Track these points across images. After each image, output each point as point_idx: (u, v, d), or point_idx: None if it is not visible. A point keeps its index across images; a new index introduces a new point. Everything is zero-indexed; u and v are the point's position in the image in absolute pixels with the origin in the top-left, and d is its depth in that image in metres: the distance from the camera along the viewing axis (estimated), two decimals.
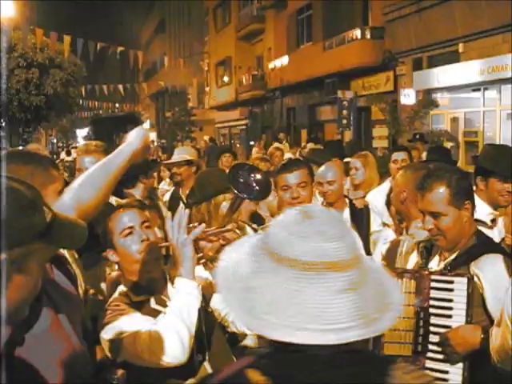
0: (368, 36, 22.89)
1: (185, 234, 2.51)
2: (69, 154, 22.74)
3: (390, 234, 4.76)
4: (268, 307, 1.37)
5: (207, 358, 2.67)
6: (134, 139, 2.35)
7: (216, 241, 2.78)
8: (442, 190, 2.84)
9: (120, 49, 23.42)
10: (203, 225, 2.63)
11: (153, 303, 2.66)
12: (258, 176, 3.28)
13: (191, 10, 47.93)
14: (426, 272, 2.84)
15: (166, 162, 6.84)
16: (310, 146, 11.79)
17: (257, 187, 3.25)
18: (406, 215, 3.81)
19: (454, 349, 2.65)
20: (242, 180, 3.24)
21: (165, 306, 2.59)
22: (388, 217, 5.00)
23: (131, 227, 2.70)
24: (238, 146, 37.08)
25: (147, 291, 2.69)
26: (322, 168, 4.98)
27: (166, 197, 6.56)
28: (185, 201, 6.02)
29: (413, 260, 3.23)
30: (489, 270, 2.73)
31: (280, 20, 31.67)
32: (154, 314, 2.57)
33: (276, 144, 11.48)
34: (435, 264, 3.01)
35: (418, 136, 10.29)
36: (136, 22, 72.94)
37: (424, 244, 3.19)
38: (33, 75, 26.02)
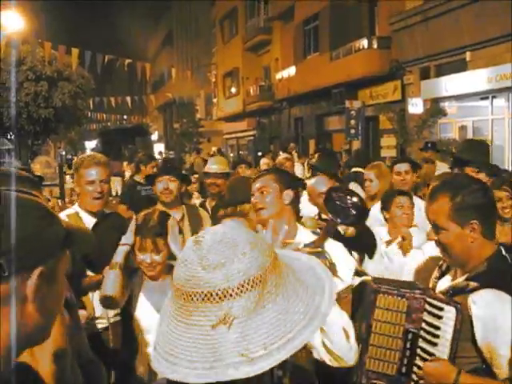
0: (375, 46, 22.91)
1: None
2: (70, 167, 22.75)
3: (383, 233, 4.96)
4: (159, 338, 1.34)
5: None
6: None
7: None
8: (444, 202, 2.58)
9: (128, 61, 23.46)
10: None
11: None
12: (355, 199, 3.08)
13: (198, 22, 48.16)
14: (418, 293, 2.59)
15: (206, 171, 6.78)
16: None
17: (354, 211, 3.07)
18: None
19: (428, 381, 2.51)
20: (338, 203, 3.08)
21: None
22: (382, 220, 5.16)
23: None
24: (246, 157, 37.13)
25: None
26: (313, 180, 4.99)
27: None
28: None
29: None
30: (482, 306, 2.45)
31: (287, 31, 31.77)
32: None
33: (284, 154, 11.46)
34: (446, 282, 2.80)
35: (429, 145, 10.11)
36: (143, 34, 73.35)
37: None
38: (41, 88, 26.09)
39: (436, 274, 2.92)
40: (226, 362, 1.25)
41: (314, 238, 3.32)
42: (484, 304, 2.45)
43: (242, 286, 1.28)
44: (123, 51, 43.61)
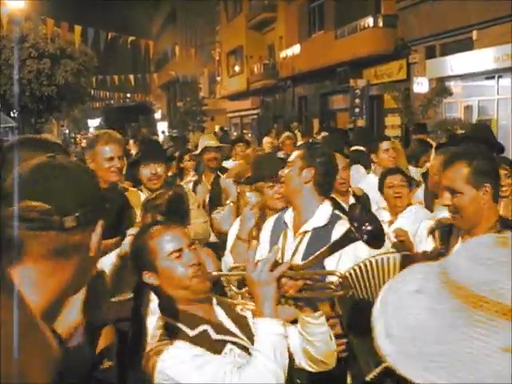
0: (380, 24, 22.72)
1: (268, 270, 2.30)
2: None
3: (386, 215, 4.99)
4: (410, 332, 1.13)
5: None
6: None
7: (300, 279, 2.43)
8: (461, 167, 2.83)
9: (131, 38, 23.38)
10: (288, 263, 2.45)
11: (212, 333, 2.40)
12: (370, 228, 2.99)
13: None
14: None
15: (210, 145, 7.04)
16: (324, 134, 11.70)
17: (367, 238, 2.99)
18: None
19: None
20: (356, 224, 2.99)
21: (227, 334, 2.42)
22: (383, 200, 5.17)
23: (180, 250, 2.48)
24: (249, 135, 37.06)
25: (201, 321, 2.44)
26: None
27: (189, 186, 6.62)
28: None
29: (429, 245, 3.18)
30: None
31: (291, 9, 31.52)
32: (219, 345, 2.37)
33: (287, 133, 11.39)
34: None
35: (420, 127, 9.46)
36: (147, 11, 72.89)
37: (441, 230, 3.16)
38: (44, 65, 26.04)
39: (437, 244, 3.10)
40: None
41: (326, 220, 3.33)
42: None
43: None
44: (126, 29, 43.35)
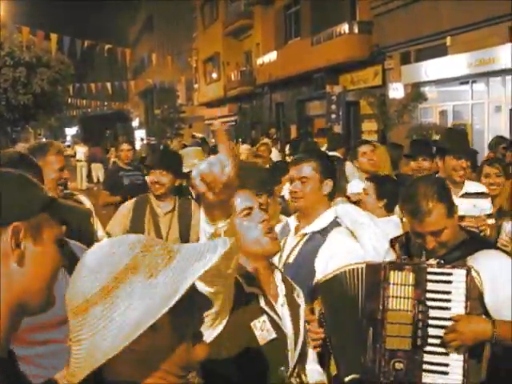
0: (356, 30, 22.90)
1: None
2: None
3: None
4: None
5: None
6: None
7: None
8: (439, 208, 2.82)
9: (108, 46, 23.30)
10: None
11: (262, 302, 2.43)
12: None
13: (179, 7, 47.77)
14: (425, 265, 2.82)
15: None
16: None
17: None
18: None
19: (463, 340, 2.64)
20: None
21: (272, 309, 2.44)
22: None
23: (251, 208, 2.49)
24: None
25: (256, 284, 2.47)
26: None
27: None
28: None
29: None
30: (487, 264, 2.75)
31: (268, 15, 31.65)
32: (259, 314, 2.40)
33: (265, 140, 11.45)
34: (424, 259, 3.00)
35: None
36: (123, 19, 72.65)
37: (400, 241, 3.22)
38: (20, 74, 25.81)
39: (397, 255, 3.14)
40: None
41: (326, 224, 3.41)
42: (489, 262, 2.78)
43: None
44: (103, 36, 43.19)
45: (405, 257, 3.07)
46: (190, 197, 5.75)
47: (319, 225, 3.41)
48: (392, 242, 3.23)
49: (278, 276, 2.60)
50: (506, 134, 14.25)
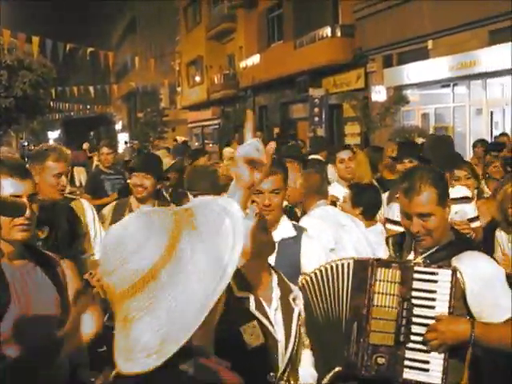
0: (338, 34, 23.01)
1: None
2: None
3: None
4: None
5: None
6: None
7: None
8: (430, 192, 2.87)
9: (90, 49, 23.22)
10: None
11: (252, 306, 2.45)
12: None
13: (162, 10, 47.70)
14: (412, 263, 2.86)
15: None
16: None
17: None
18: None
19: (443, 340, 2.67)
20: None
21: (263, 313, 2.44)
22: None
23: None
24: (210, 145, 36.98)
25: (248, 287, 2.46)
26: None
27: None
28: None
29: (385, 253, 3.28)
30: (471, 265, 2.78)
31: (251, 19, 31.69)
32: (248, 316, 2.41)
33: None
34: (411, 258, 3.05)
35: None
36: (106, 21, 72.44)
37: (394, 239, 3.26)
38: (1, 77, 25.65)
39: (391, 253, 3.20)
40: None
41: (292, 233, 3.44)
42: (473, 263, 2.80)
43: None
44: (85, 39, 43.04)
45: (394, 256, 3.12)
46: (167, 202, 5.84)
47: (287, 232, 3.42)
48: (387, 240, 3.32)
49: (274, 279, 2.61)
50: (487, 137, 14.41)
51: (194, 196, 3.94)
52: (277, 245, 3.29)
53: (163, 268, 1.31)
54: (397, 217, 3.94)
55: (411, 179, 2.94)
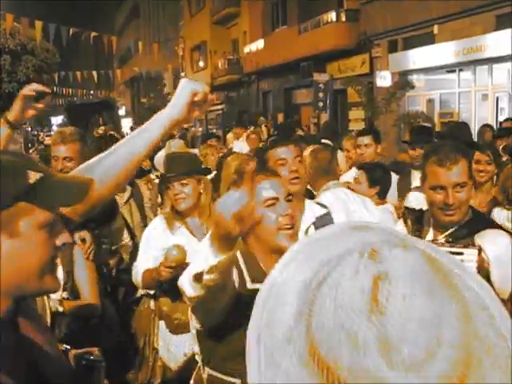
0: (343, 19, 22.85)
1: None
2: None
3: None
4: None
5: None
6: (176, 100, 2.00)
7: None
8: (464, 162, 2.94)
9: (93, 34, 23.11)
10: None
11: None
12: None
13: None
14: (436, 243, 2.80)
15: None
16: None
17: None
18: None
19: None
20: None
21: None
22: None
23: (276, 198, 2.37)
24: (214, 131, 36.93)
25: (263, 279, 2.38)
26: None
27: None
28: None
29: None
30: (494, 243, 2.81)
31: (255, 4, 31.49)
32: None
33: (253, 128, 11.43)
34: (431, 237, 3.05)
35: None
36: (110, 6, 72.13)
37: (413, 216, 3.24)
38: (4, 62, 25.57)
39: (407, 231, 3.16)
40: None
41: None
42: (496, 241, 2.84)
43: None
44: (89, 24, 42.89)
45: (413, 235, 3.06)
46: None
47: (318, 211, 3.41)
48: (405, 216, 3.31)
49: None
50: (493, 122, 14.32)
51: (172, 179, 3.88)
52: (312, 226, 3.29)
53: None
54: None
55: (445, 149, 2.97)
